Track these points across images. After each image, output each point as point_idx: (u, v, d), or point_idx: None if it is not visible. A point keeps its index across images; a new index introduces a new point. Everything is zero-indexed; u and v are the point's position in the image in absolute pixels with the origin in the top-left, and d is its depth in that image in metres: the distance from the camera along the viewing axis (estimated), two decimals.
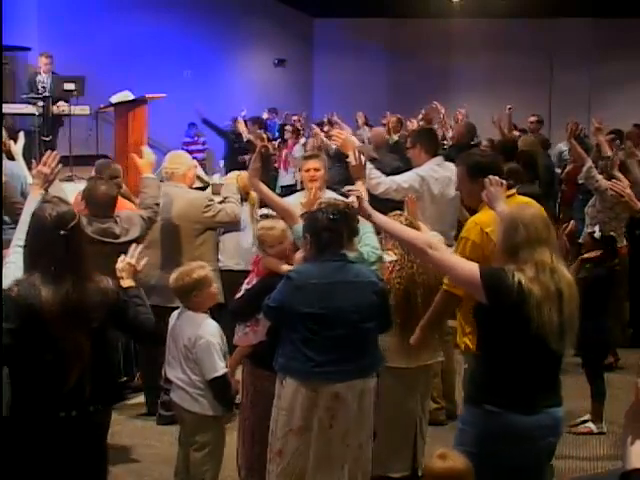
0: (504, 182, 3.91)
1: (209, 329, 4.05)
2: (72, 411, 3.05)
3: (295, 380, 3.67)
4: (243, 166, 7.89)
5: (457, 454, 2.88)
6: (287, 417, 3.69)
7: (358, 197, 3.65)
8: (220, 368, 4.00)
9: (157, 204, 5.23)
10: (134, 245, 3.60)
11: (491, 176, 3.87)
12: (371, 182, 5.28)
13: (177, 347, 4.11)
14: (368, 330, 3.74)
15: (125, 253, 3.67)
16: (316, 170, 5.16)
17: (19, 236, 3.36)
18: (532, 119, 10.16)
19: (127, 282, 3.38)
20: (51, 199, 3.26)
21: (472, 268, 3.21)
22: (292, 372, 3.69)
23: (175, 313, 4.26)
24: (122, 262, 3.44)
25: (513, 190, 4.23)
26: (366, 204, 3.64)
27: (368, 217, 3.62)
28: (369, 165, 5.30)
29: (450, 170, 5.73)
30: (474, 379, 3.37)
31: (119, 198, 5.55)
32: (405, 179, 5.50)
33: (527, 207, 3.38)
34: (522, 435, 3.13)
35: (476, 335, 3.42)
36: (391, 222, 3.63)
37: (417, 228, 4.49)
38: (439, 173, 5.59)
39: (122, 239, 4.89)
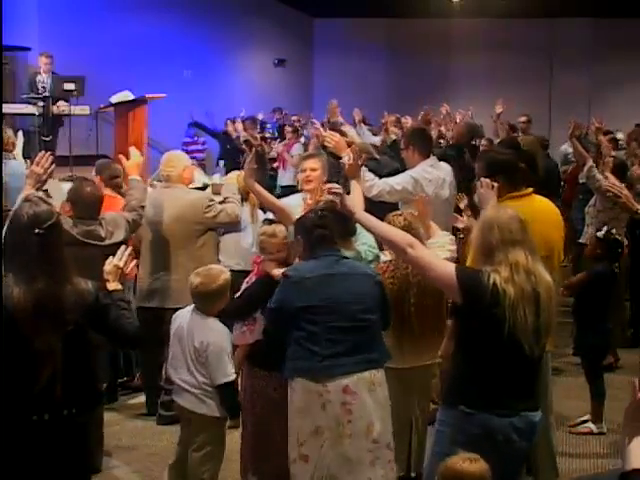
0: (495, 184, 3.93)
1: (221, 334, 4.08)
2: (44, 414, 3.01)
3: (304, 379, 3.66)
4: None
5: (480, 458, 2.85)
6: (303, 420, 3.67)
7: (339, 194, 3.64)
8: (231, 374, 4.02)
9: (142, 207, 5.13)
10: (122, 247, 3.56)
11: (482, 179, 3.89)
12: (364, 185, 5.21)
13: (184, 349, 4.09)
14: (370, 322, 3.74)
15: (110, 255, 3.63)
16: (312, 170, 5.07)
17: None
18: (522, 119, 10.14)
19: (113, 285, 3.35)
20: (31, 198, 3.22)
21: (449, 269, 3.24)
22: (300, 371, 3.68)
23: (182, 313, 4.24)
24: (109, 264, 3.41)
25: (530, 189, 4.22)
26: (348, 201, 3.64)
27: (351, 214, 3.62)
28: (362, 168, 5.23)
29: (444, 170, 5.72)
30: (450, 380, 3.36)
31: (119, 198, 5.54)
32: (398, 181, 5.48)
33: (505, 209, 3.37)
34: (496, 437, 3.12)
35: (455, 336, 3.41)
36: (374, 220, 3.62)
37: (419, 228, 4.50)
38: (432, 174, 5.57)
39: (107, 242, 4.80)
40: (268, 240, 4.25)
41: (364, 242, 4.23)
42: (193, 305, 4.18)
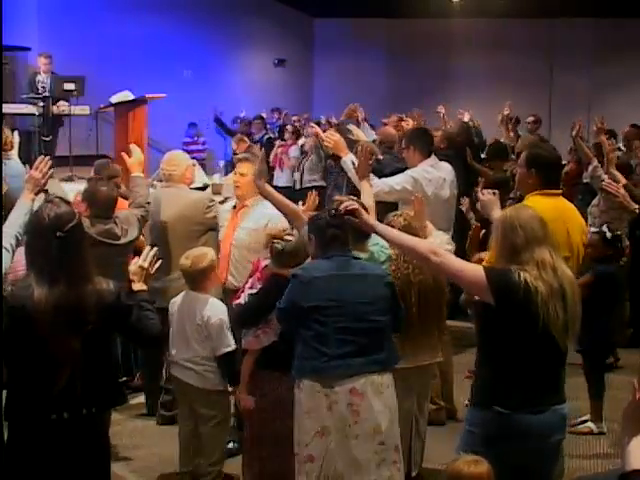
0: (496, 191, 4.07)
1: (220, 308, 4.43)
2: (64, 413, 3.02)
3: (311, 380, 3.66)
4: None
5: (484, 460, 2.87)
6: (310, 420, 3.66)
7: (355, 210, 3.56)
8: (232, 344, 4.36)
9: (148, 202, 5.21)
10: (147, 248, 3.57)
11: (483, 189, 3.99)
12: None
13: (185, 328, 4.40)
14: (380, 324, 3.73)
15: (125, 254, 3.63)
16: (242, 175, 5.06)
17: (6, 233, 3.40)
18: (530, 119, 10.15)
19: (138, 285, 3.36)
20: (52, 199, 3.24)
21: (477, 270, 3.25)
22: (307, 371, 3.68)
23: (177, 300, 4.53)
24: (134, 265, 3.43)
25: (560, 190, 4.25)
26: (366, 216, 3.55)
27: (371, 229, 3.54)
28: None
29: (444, 170, 5.73)
30: (480, 381, 3.36)
31: (118, 198, 5.54)
32: (397, 181, 5.48)
33: (524, 208, 3.41)
34: (531, 434, 3.15)
35: (480, 338, 3.41)
36: (394, 231, 3.62)
37: (417, 228, 4.51)
38: (432, 174, 5.58)
39: (123, 240, 4.90)
40: (290, 258, 4.14)
41: (376, 243, 4.21)
42: (184, 291, 4.50)
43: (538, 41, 17.51)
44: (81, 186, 5.91)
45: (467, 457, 2.87)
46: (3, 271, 3.26)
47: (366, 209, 3.81)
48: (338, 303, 3.64)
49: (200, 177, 8.08)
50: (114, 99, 9.29)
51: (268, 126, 14.03)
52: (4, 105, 8.48)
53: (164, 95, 9.60)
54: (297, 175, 10.99)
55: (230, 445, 4.80)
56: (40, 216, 3.10)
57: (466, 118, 9.74)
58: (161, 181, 5.92)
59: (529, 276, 3.11)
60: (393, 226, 4.32)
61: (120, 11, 13.39)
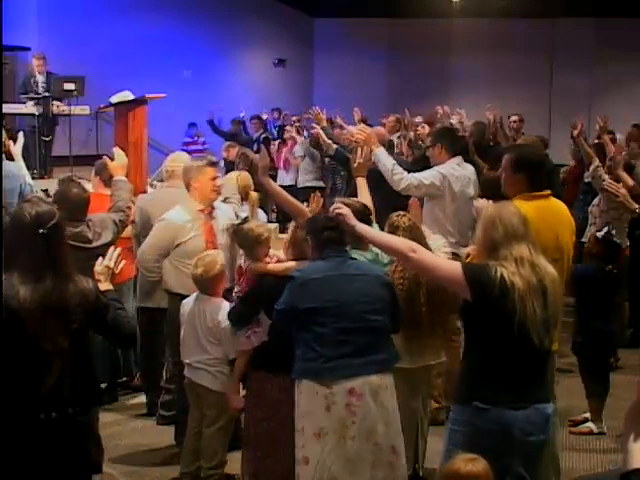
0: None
1: None
2: (52, 413, 3.02)
3: (310, 380, 3.67)
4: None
5: (481, 458, 2.86)
6: (307, 423, 3.67)
7: (341, 215, 3.63)
8: None
9: (129, 207, 5.12)
10: (112, 248, 3.57)
11: (478, 199, 3.98)
12: (394, 178, 5.44)
13: (197, 330, 4.43)
14: (378, 323, 3.74)
15: (96, 258, 3.56)
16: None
17: None
18: (514, 118, 10.07)
19: (104, 285, 3.36)
20: (31, 198, 3.23)
21: (454, 266, 3.28)
22: (306, 372, 3.69)
23: (188, 301, 4.54)
24: (100, 265, 3.43)
25: (548, 191, 4.25)
26: (351, 218, 3.61)
27: (352, 228, 3.60)
28: (392, 161, 5.48)
29: (469, 170, 5.79)
30: (461, 377, 3.35)
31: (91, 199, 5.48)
32: (426, 176, 5.56)
33: (506, 205, 3.41)
34: (513, 430, 3.13)
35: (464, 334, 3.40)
36: (374, 231, 3.65)
37: (422, 229, 4.53)
38: (459, 172, 5.65)
39: (95, 244, 4.75)
40: (259, 248, 4.29)
41: None
42: (197, 292, 4.51)
43: (538, 41, 17.52)
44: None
45: (464, 456, 2.86)
46: None
47: (368, 209, 3.98)
48: (335, 304, 3.65)
49: None
50: (114, 99, 9.25)
51: (268, 126, 14.03)
52: (4, 105, 8.47)
53: (164, 95, 9.58)
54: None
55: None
56: (21, 214, 3.07)
57: (454, 120, 9.60)
58: (161, 181, 5.93)
59: (506, 271, 3.11)
60: (398, 226, 4.37)
61: (120, 11, 13.38)
